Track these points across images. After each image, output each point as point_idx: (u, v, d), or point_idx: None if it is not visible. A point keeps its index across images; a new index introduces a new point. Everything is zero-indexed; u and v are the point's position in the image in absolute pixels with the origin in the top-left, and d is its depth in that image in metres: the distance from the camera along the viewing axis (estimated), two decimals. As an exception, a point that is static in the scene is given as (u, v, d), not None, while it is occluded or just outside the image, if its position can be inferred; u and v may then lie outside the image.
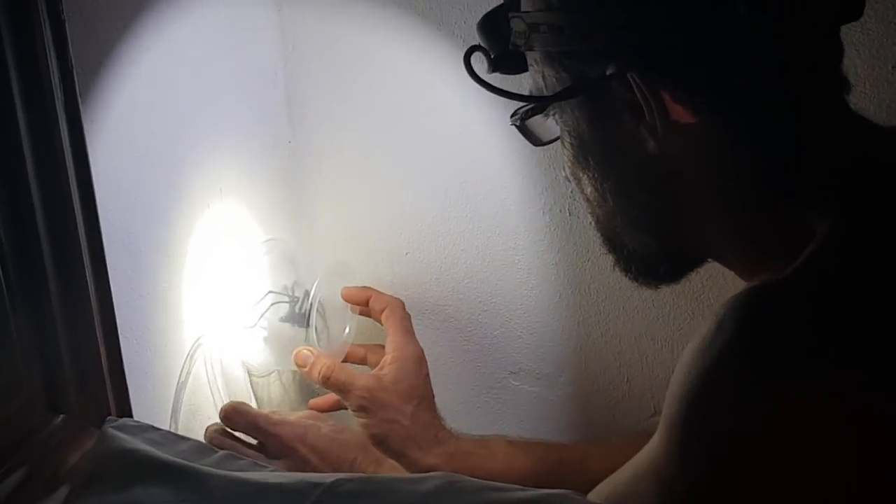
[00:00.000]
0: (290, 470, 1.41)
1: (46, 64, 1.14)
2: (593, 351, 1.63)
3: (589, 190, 1.15)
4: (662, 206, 1.11)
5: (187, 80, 1.42)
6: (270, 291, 1.53)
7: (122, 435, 1.18)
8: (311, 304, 1.49)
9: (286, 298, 1.53)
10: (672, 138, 1.04)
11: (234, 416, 1.45)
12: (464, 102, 1.56)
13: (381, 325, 1.57)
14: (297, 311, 1.52)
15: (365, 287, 1.60)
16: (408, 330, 1.55)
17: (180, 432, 1.40)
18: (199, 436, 1.45)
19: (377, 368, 1.52)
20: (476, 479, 1.07)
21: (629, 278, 1.19)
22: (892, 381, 0.93)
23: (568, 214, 1.56)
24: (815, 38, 1.04)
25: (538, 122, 1.17)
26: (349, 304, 1.60)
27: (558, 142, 1.18)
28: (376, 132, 1.64)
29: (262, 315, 1.52)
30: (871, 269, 0.98)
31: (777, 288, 0.98)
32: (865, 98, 1.35)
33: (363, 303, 1.59)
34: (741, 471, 0.95)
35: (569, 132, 1.13)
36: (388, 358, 1.51)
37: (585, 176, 1.14)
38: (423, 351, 1.54)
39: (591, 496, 1.12)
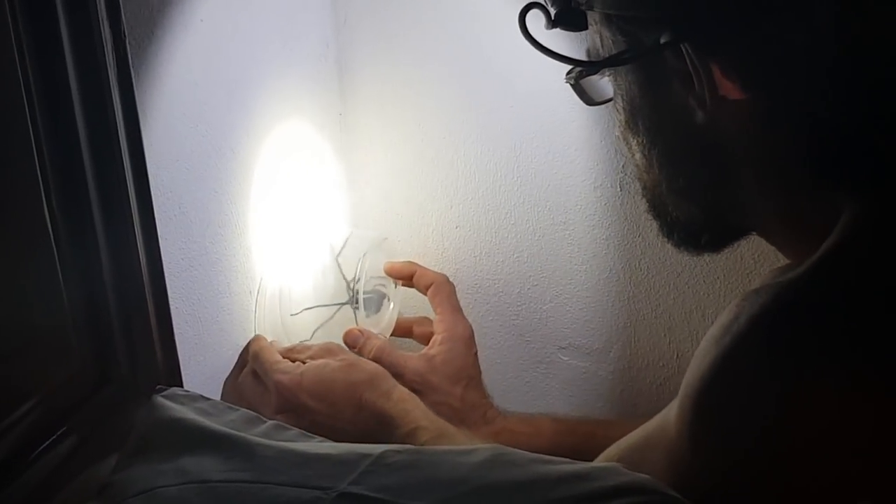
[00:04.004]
0: (291, 421, 1.32)
1: (100, 33, 1.14)
2: (643, 327, 1.62)
3: (638, 155, 1.14)
4: (707, 177, 1.10)
5: (239, 52, 1.42)
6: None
7: (171, 404, 1.18)
8: (358, 286, 1.49)
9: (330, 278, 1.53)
10: (720, 111, 1.03)
11: (253, 361, 1.43)
12: (517, 76, 1.55)
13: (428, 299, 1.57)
14: (345, 290, 1.51)
15: (409, 262, 1.60)
16: (456, 308, 1.55)
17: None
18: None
19: (426, 348, 1.51)
20: (524, 452, 1.07)
21: (671, 244, 1.19)
22: None
23: (619, 189, 1.56)
24: (874, 19, 1.03)
25: (592, 83, 1.16)
26: (393, 279, 1.59)
27: (612, 113, 1.18)
28: (427, 106, 1.64)
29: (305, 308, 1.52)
30: (890, 266, 0.98)
31: (792, 286, 0.97)
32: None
33: (407, 278, 1.58)
34: (747, 461, 0.96)
35: (622, 95, 1.12)
36: (437, 338, 1.51)
37: (635, 141, 1.13)
38: (472, 329, 1.53)
39: (599, 459, 1.12)
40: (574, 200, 1.59)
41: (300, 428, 1.22)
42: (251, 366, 1.43)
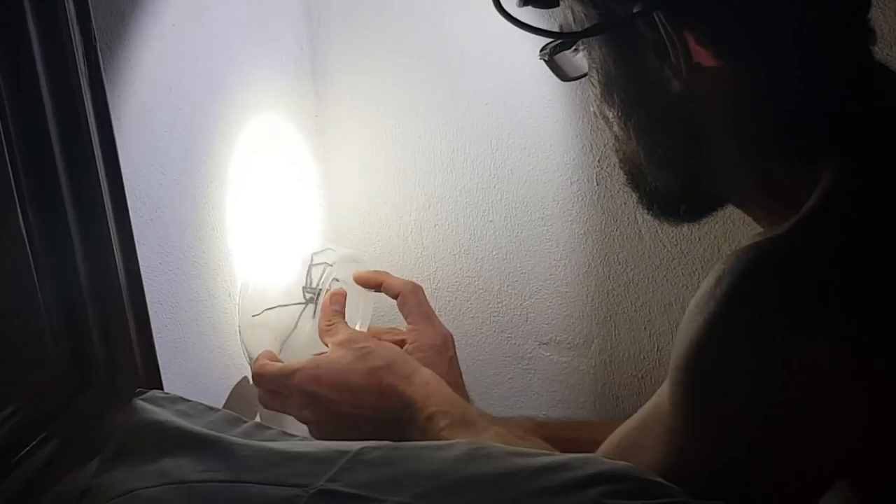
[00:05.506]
0: (317, 415, 1.37)
1: (70, 39, 1.14)
2: (623, 320, 1.63)
3: (615, 128, 1.16)
4: (684, 147, 1.11)
5: (213, 56, 1.42)
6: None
7: (151, 407, 1.18)
8: (317, 288, 1.47)
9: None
10: (695, 80, 1.05)
11: (258, 379, 1.42)
12: (492, 73, 1.56)
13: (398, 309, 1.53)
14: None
15: (377, 271, 1.54)
16: (425, 315, 1.49)
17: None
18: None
19: None
20: (502, 446, 1.07)
21: (650, 215, 1.20)
22: (889, 339, 0.94)
23: (595, 184, 1.56)
24: None
25: (566, 58, 1.17)
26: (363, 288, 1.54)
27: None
28: (403, 105, 1.65)
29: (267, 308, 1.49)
30: (873, 225, 0.98)
31: (774, 245, 0.98)
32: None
33: (376, 287, 1.53)
34: (739, 425, 0.96)
35: (596, 69, 1.13)
36: (408, 348, 1.46)
37: (611, 113, 1.15)
38: (445, 335, 1.48)
39: (604, 445, 1.13)
40: (551, 196, 1.60)
41: (326, 420, 1.31)
42: (261, 390, 1.42)
